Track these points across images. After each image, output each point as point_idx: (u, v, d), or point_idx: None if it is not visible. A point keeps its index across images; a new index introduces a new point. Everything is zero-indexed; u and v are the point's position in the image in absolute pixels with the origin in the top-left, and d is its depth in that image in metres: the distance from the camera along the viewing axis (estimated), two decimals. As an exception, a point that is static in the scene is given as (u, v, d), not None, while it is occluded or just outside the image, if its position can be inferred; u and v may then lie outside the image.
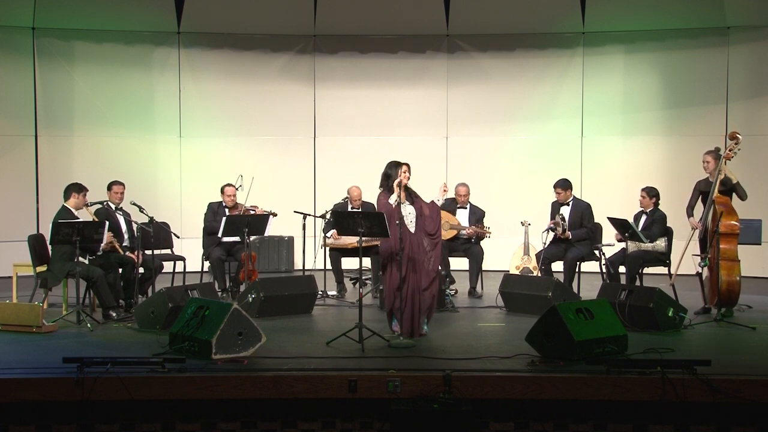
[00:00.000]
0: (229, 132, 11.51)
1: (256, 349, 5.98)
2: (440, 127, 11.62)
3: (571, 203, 8.72)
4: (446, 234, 9.05)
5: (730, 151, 7.84)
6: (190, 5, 11.19)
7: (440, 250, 7.00)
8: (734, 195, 7.86)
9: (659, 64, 11.23)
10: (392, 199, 6.79)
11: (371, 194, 9.31)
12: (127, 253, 8.10)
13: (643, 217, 8.49)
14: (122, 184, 8.41)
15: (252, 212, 8.99)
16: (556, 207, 8.77)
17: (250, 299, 7.76)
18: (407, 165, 6.93)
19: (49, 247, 7.76)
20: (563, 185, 8.74)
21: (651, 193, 8.47)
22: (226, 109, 11.48)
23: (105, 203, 8.25)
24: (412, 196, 6.91)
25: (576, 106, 11.37)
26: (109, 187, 8.38)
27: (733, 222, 7.64)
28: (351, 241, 8.74)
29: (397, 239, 6.63)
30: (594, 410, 5.48)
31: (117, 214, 8.29)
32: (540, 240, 8.61)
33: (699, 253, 8.03)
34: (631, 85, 11.31)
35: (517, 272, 9.48)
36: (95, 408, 5.41)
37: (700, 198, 8.11)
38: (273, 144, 11.59)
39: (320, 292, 8.59)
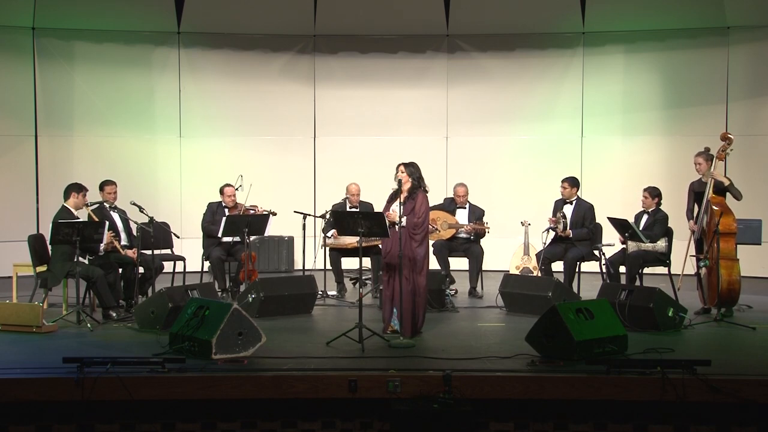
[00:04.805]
0: (229, 132, 11.51)
1: (256, 349, 5.98)
2: (440, 127, 11.62)
3: (574, 202, 8.73)
4: (445, 233, 9.06)
5: (722, 152, 7.85)
6: (190, 5, 11.18)
7: (427, 247, 6.96)
8: (728, 195, 7.86)
9: (659, 64, 11.22)
10: (394, 206, 6.84)
11: (370, 194, 9.36)
12: (126, 251, 8.10)
13: (645, 217, 8.49)
14: (114, 183, 8.40)
15: (252, 212, 8.98)
16: (559, 204, 8.78)
17: (250, 299, 7.76)
18: (402, 165, 6.97)
19: (49, 247, 7.76)
20: (571, 182, 8.76)
21: (653, 193, 8.46)
22: (226, 109, 11.48)
23: (100, 203, 8.23)
24: (410, 196, 6.90)
25: (576, 106, 11.37)
26: (101, 187, 8.37)
27: (731, 221, 7.65)
28: (351, 241, 8.74)
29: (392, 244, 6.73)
30: (594, 410, 5.48)
31: (112, 213, 8.27)
32: (540, 240, 8.61)
33: (696, 254, 8.04)
34: (631, 85, 11.30)
35: (517, 272, 9.48)
36: (95, 408, 5.41)
37: (695, 199, 8.12)
38: (273, 144, 11.59)
39: (320, 292, 8.59)
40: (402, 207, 6.83)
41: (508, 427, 5.51)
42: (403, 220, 6.79)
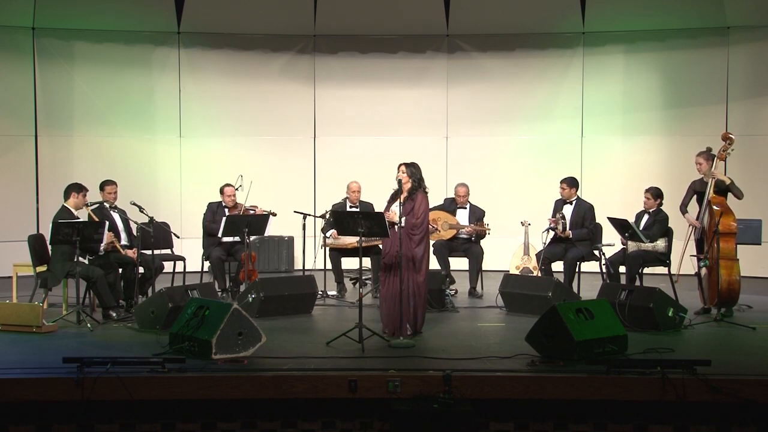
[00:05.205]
0: (229, 132, 11.51)
1: (256, 349, 5.98)
2: (440, 127, 11.62)
3: (574, 203, 8.73)
4: (446, 234, 9.06)
5: (723, 151, 7.86)
6: (190, 5, 11.18)
7: (426, 247, 6.97)
8: (729, 195, 7.87)
9: (659, 64, 11.22)
10: (394, 206, 6.82)
11: (371, 194, 9.36)
12: (126, 251, 8.10)
13: (645, 217, 8.48)
14: (114, 183, 8.40)
15: (252, 212, 8.98)
16: (559, 205, 8.77)
17: (250, 299, 7.76)
18: (403, 165, 6.97)
19: (49, 247, 7.76)
20: (569, 182, 8.75)
21: (656, 194, 8.44)
22: (226, 109, 11.48)
23: (100, 203, 8.23)
24: (410, 196, 6.90)
25: (576, 106, 11.37)
26: (102, 187, 8.38)
27: (731, 221, 7.66)
28: (351, 241, 8.74)
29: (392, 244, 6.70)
30: (594, 410, 5.48)
31: (113, 213, 8.28)
32: (540, 240, 8.61)
33: (696, 254, 8.04)
34: (631, 85, 11.30)
35: (517, 272, 9.48)
36: (95, 408, 5.41)
37: (695, 197, 8.13)
38: (273, 144, 11.59)
39: (320, 292, 8.59)
40: (402, 207, 6.83)
41: (508, 427, 5.51)
42: (403, 220, 6.79)
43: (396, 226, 6.76)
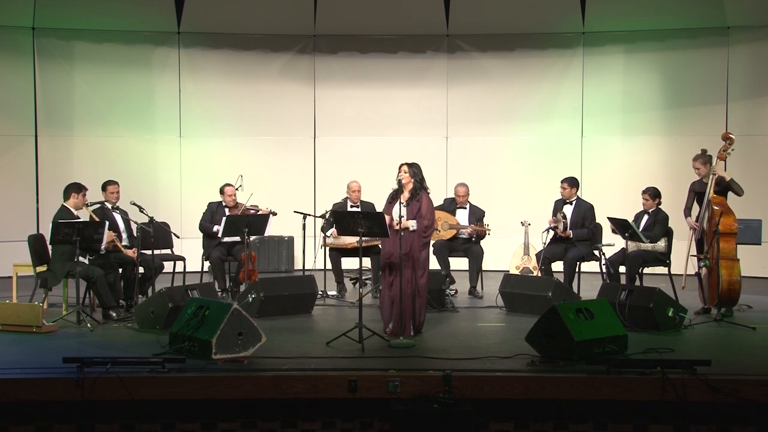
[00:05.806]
0: (229, 132, 11.51)
1: (256, 349, 5.98)
2: (440, 127, 11.62)
3: (574, 203, 8.73)
4: (446, 234, 9.06)
5: (723, 151, 7.86)
6: (190, 5, 11.18)
7: (428, 247, 6.98)
8: (729, 194, 7.86)
9: (659, 64, 11.22)
10: (395, 210, 6.81)
11: (371, 194, 9.36)
12: (126, 251, 8.10)
13: (645, 217, 8.48)
14: (116, 183, 8.41)
15: (252, 212, 8.98)
16: (559, 205, 8.77)
17: (250, 299, 7.76)
18: (405, 165, 6.96)
19: (49, 247, 7.76)
20: (570, 182, 8.76)
21: (654, 194, 8.44)
22: (226, 109, 11.48)
23: (102, 203, 8.23)
24: (413, 197, 6.90)
25: (576, 106, 11.37)
26: (104, 188, 8.39)
27: (731, 221, 7.65)
28: (351, 240, 8.74)
29: (394, 245, 6.70)
30: (594, 410, 5.48)
31: (114, 213, 8.28)
32: (540, 240, 8.61)
33: (696, 254, 8.04)
34: (631, 85, 11.31)
35: (517, 272, 9.49)
36: (95, 408, 5.41)
37: (695, 199, 8.13)
38: (273, 144, 11.59)
39: (320, 292, 8.59)
40: (405, 208, 6.83)
41: (508, 427, 5.51)
42: (411, 224, 6.79)
43: (402, 231, 6.74)
